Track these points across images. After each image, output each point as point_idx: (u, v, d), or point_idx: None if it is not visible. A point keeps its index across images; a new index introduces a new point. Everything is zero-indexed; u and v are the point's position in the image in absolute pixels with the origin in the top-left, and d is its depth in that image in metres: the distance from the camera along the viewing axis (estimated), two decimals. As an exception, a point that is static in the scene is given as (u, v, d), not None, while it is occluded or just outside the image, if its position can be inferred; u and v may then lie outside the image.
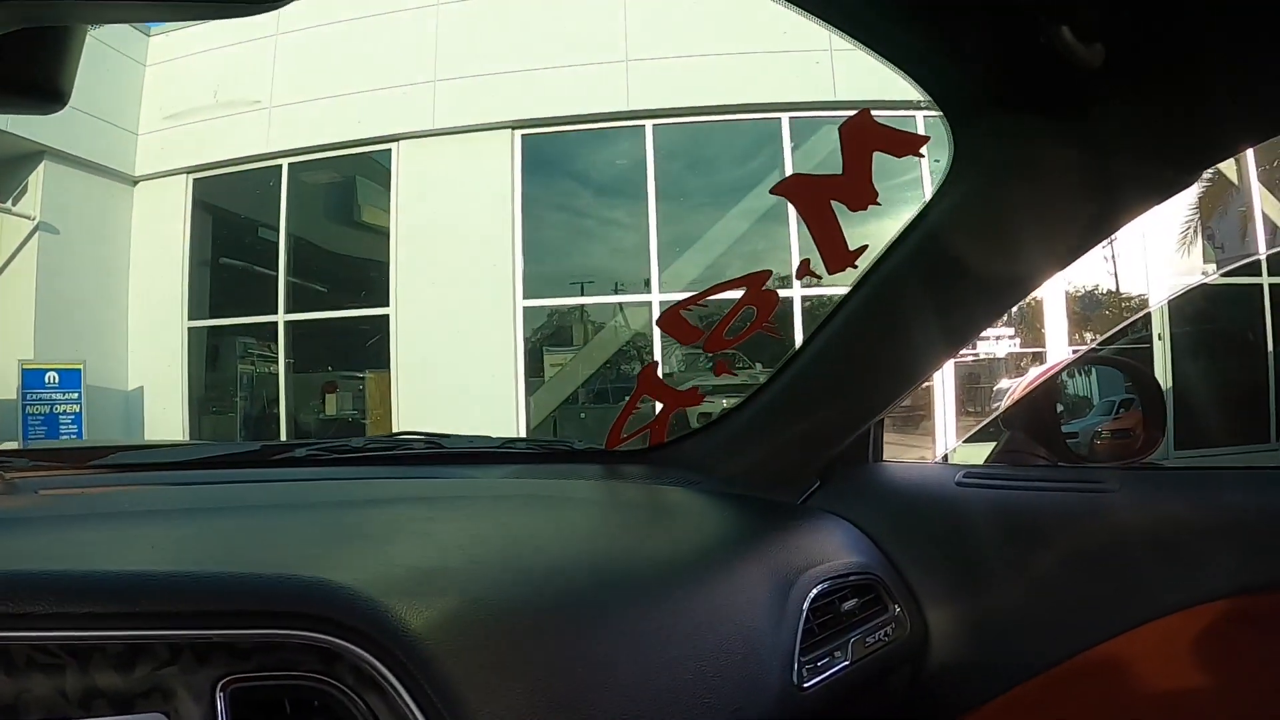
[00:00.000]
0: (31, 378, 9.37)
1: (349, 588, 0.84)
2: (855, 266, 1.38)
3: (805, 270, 1.45)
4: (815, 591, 1.27)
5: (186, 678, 0.77)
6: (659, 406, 1.77)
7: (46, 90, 0.61)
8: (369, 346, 10.25)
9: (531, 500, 1.43)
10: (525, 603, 0.95)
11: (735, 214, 9.80)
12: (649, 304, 9.60)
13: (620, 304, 10.24)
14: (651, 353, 9.42)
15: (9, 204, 9.93)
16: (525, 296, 9.71)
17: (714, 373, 1.76)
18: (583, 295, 10.43)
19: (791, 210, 1.38)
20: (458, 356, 9.43)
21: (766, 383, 1.63)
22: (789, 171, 9.25)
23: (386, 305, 9.98)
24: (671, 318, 1.67)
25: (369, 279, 10.43)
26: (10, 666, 0.75)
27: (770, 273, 1.59)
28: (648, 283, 9.66)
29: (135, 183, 11.01)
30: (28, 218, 9.94)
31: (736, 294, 1.60)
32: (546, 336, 10.41)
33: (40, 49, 0.60)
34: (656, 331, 9.33)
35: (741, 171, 10.24)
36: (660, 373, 1.92)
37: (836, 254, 1.37)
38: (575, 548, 1.18)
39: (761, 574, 1.24)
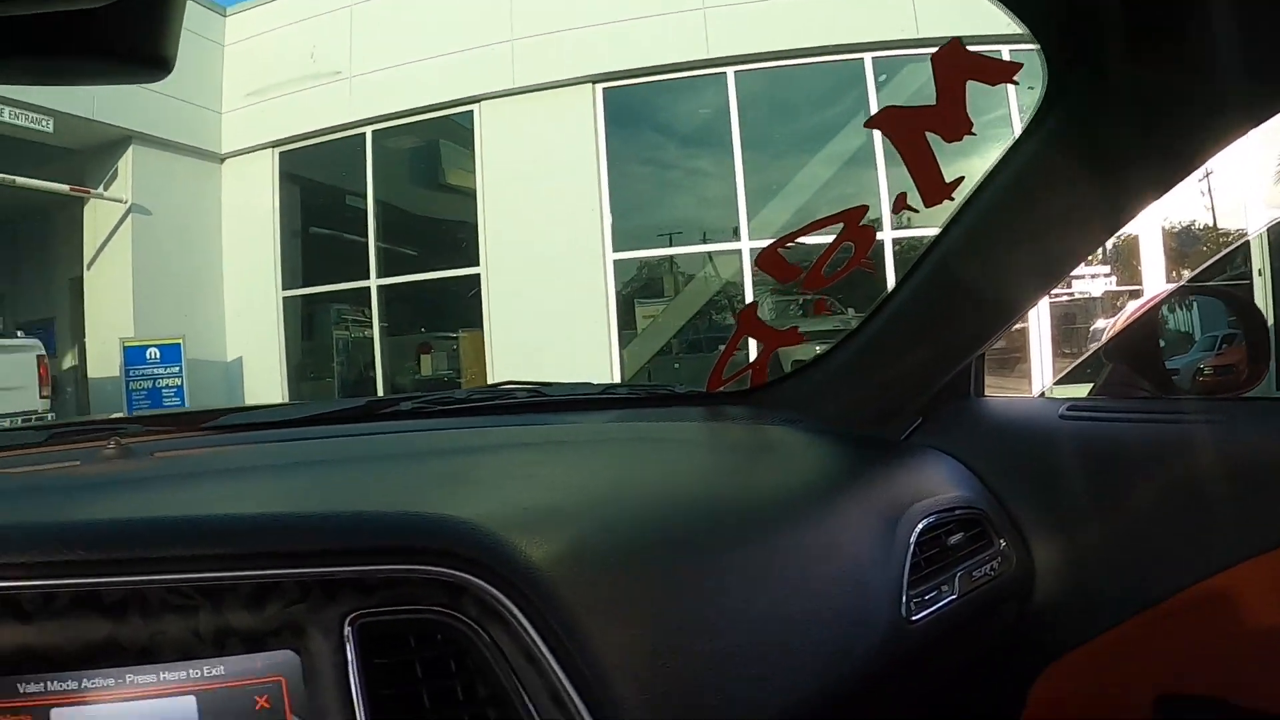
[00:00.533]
0: (133, 354, 9.72)
1: (471, 523, 0.86)
2: (952, 199, 1.36)
3: (902, 204, 1.42)
4: (922, 525, 1.27)
5: (316, 614, 0.79)
6: (756, 348, 1.77)
7: (151, 58, 0.61)
8: (462, 306, 10.39)
9: (636, 442, 1.45)
10: (636, 539, 0.97)
11: (821, 158, 9.67)
12: (738, 252, 9.54)
13: (709, 253, 10.20)
14: (743, 300, 9.32)
15: (101, 189, 10.27)
16: (615, 250, 9.74)
17: (812, 312, 1.75)
18: (671, 246, 10.42)
19: (879, 152, 1.36)
20: (550, 312, 9.51)
21: (866, 320, 1.61)
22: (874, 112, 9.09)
23: (476, 264, 10.10)
24: (770, 256, 1.65)
25: (457, 240, 10.57)
26: (146, 609, 0.77)
27: (867, 208, 1.57)
28: (736, 231, 9.60)
29: (223, 160, 11.31)
30: (120, 201, 10.29)
31: (834, 231, 1.58)
32: (638, 288, 10.46)
33: (142, 16, 0.61)
34: (747, 279, 9.28)
35: (826, 114, 10.09)
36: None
37: (933, 186, 1.35)
38: (682, 487, 1.19)
39: (868, 509, 1.24)
